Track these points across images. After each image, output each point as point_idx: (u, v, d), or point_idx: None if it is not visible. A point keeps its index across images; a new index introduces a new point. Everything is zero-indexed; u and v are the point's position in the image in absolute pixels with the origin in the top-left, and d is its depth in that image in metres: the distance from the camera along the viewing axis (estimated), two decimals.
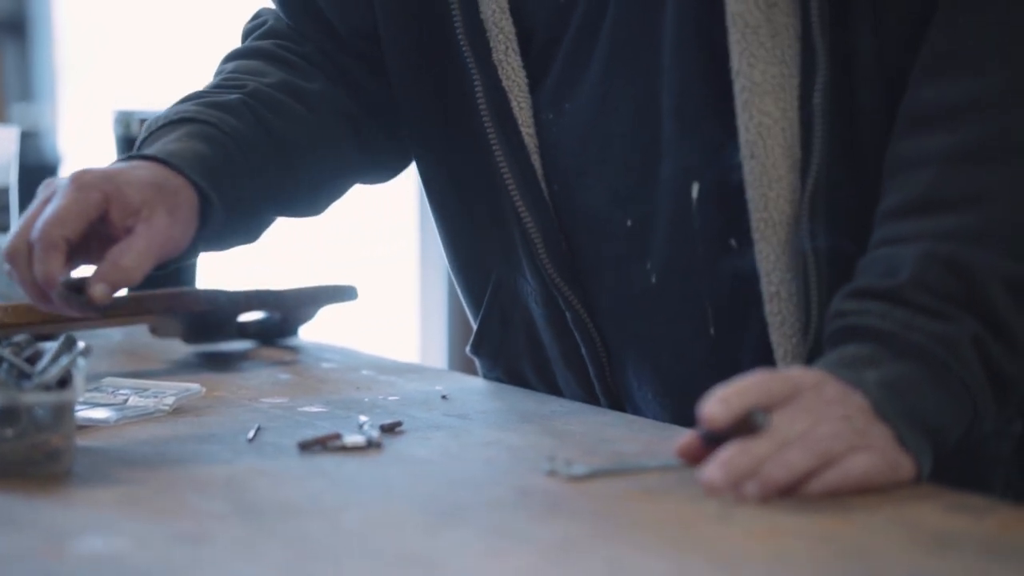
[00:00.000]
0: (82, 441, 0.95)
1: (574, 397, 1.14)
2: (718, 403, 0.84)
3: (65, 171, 3.55)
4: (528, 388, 1.18)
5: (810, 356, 0.98)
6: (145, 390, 1.10)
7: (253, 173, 1.11)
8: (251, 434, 0.98)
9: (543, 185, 1.10)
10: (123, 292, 1.08)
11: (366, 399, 1.10)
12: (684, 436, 0.86)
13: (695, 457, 0.86)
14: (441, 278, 3.07)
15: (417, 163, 1.20)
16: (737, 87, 0.99)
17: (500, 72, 1.09)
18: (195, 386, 1.10)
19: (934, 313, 0.89)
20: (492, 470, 0.92)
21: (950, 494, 0.84)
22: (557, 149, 1.09)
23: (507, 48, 1.09)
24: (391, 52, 1.15)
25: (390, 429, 1.00)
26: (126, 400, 1.07)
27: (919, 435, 0.86)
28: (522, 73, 1.09)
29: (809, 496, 0.83)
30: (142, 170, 1.04)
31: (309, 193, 1.17)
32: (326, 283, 1.33)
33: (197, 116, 1.10)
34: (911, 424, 0.86)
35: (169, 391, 1.09)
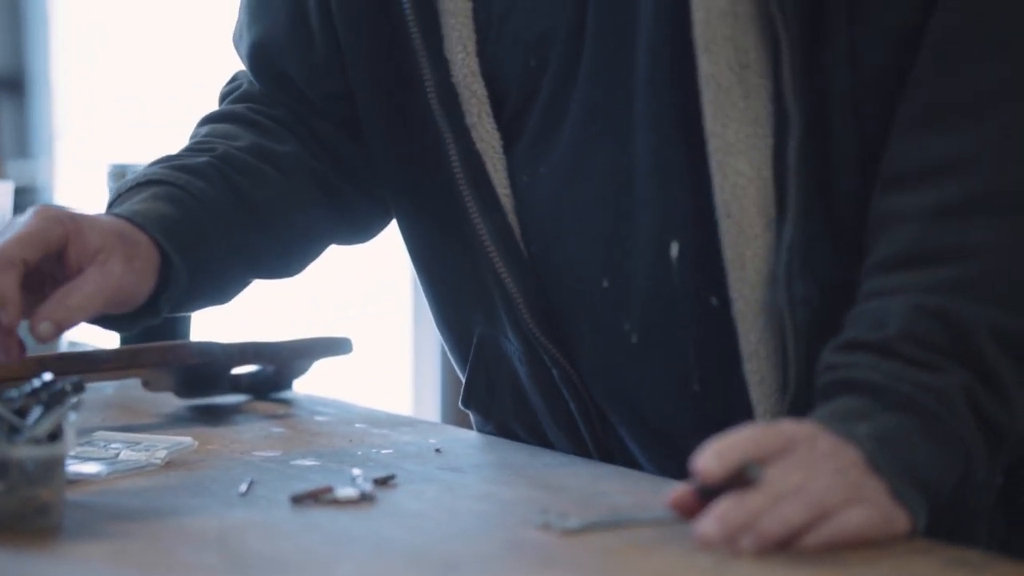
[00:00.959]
0: (72, 495, 0.94)
1: (566, 452, 1.13)
2: (712, 456, 0.84)
3: None
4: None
5: (789, 414, 0.98)
6: (137, 443, 1.09)
7: (220, 235, 1.11)
8: (243, 487, 0.98)
9: (522, 246, 1.09)
10: (115, 345, 1.08)
11: (359, 452, 1.09)
12: (677, 489, 0.86)
13: (689, 510, 0.85)
14: (434, 331, 3.06)
15: (398, 223, 1.20)
16: (711, 147, 0.99)
17: (474, 134, 1.09)
18: (187, 439, 1.09)
19: (924, 364, 0.89)
20: (486, 523, 0.92)
21: (947, 549, 0.84)
22: (534, 210, 1.09)
23: (480, 111, 1.09)
24: (365, 116, 1.16)
25: (383, 482, 0.99)
26: (117, 454, 1.07)
27: (913, 488, 0.86)
28: (496, 135, 1.09)
29: (804, 550, 0.82)
30: (106, 220, 1.05)
31: (281, 255, 1.18)
32: (321, 336, 1.33)
33: (164, 178, 1.11)
34: (904, 477, 0.86)
35: (161, 444, 1.08)
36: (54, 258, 1.03)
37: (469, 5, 1.09)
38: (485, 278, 1.11)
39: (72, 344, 1.44)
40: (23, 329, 1.02)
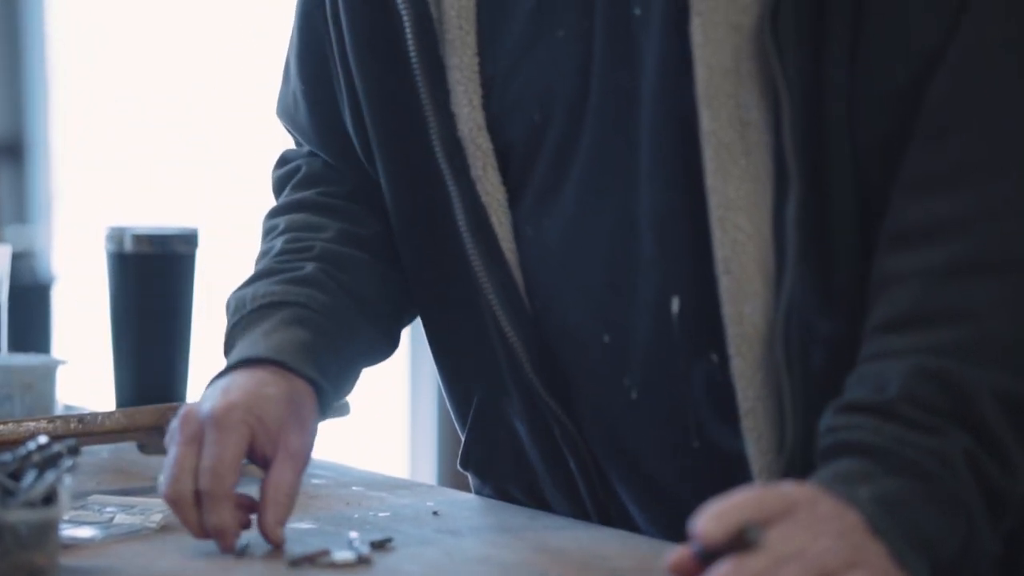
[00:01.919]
0: (66, 560, 0.93)
1: (564, 515, 1.12)
2: (712, 519, 0.83)
3: (58, 292, 3.57)
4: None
5: (786, 472, 0.97)
6: (132, 507, 1.08)
7: (348, 343, 1.12)
8: (240, 550, 0.97)
9: (525, 300, 1.09)
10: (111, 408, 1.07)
11: (356, 515, 1.09)
12: (677, 552, 0.85)
13: (689, 573, 0.84)
14: (431, 393, 3.06)
15: (411, 285, 1.20)
16: (711, 203, 0.99)
17: (479, 187, 1.09)
18: None
19: (925, 428, 0.89)
20: None
21: None
22: (538, 264, 1.09)
23: (485, 164, 1.09)
24: (382, 173, 1.16)
25: (380, 545, 0.98)
26: (112, 518, 1.06)
27: (915, 551, 0.85)
28: (501, 189, 1.10)
29: None
30: (271, 388, 1.04)
31: (389, 337, 1.19)
32: None
33: (287, 299, 1.11)
34: (906, 540, 0.85)
35: (156, 508, 1.07)
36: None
37: (476, 60, 1.09)
38: (488, 333, 1.11)
39: (67, 407, 1.43)
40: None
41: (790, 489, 0.86)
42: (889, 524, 0.85)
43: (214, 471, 0.99)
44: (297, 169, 1.24)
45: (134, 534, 1.03)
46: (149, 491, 1.19)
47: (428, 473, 3.08)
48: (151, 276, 1.38)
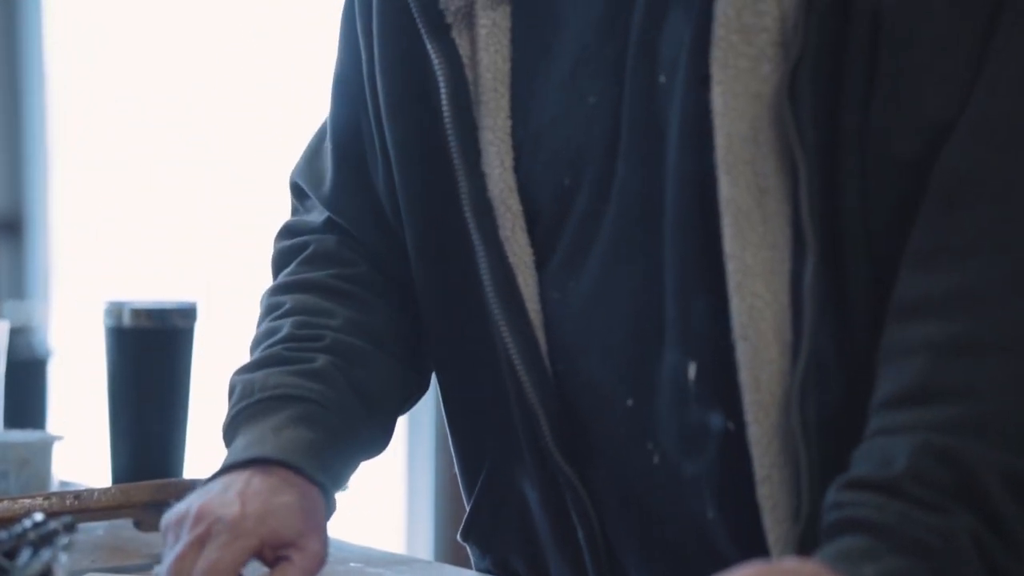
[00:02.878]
0: None
1: None
2: None
3: (54, 367, 3.55)
4: None
5: (801, 541, 0.97)
6: None
7: (351, 442, 1.13)
8: None
9: (547, 363, 1.09)
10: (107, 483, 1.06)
11: None
12: None
13: None
14: (428, 467, 3.05)
15: (429, 344, 1.20)
16: (730, 269, 0.99)
17: (507, 248, 1.10)
18: None
19: (931, 506, 0.88)
20: None
21: None
22: (562, 327, 1.09)
23: (514, 226, 1.10)
24: (407, 228, 1.17)
25: None
26: None
27: None
28: (529, 251, 1.10)
29: None
30: (286, 496, 1.05)
31: (386, 432, 1.19)
32: None
33: (296, 393, 1.11)
34: None
35: None
36: None
37: (509, 123, 1.10)
38: (506, 396, 1.11)
39: (63, 483, 1.42)
40: None
41: (794, 566, 0.85)
42: None
43: (209, 571, 0.99)
44: (306, 245, 1.23)
45: None
46: (145, 569, 1.17)
47: (424, 549, 3.06)
48: (149, 350, 1.37)
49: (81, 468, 1.61)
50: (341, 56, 1.23)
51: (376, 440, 1.18)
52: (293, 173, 1.27)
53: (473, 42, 1.11)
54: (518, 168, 1.10)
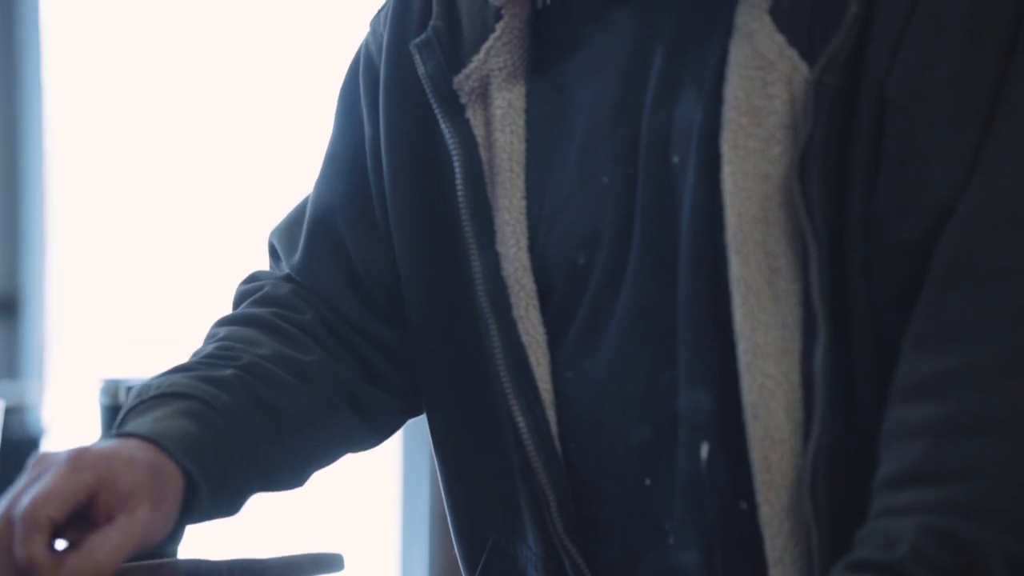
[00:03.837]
0: None
1: None
2: None
3: (47, 445, 3.54)
4: None
5: None
6: None
7: (244, 453, 1.10)
8: None
9: (557, 443, 1.08)
10: None
11: None
12: None
13: None
14: (421, 547, 3.02)
15: (428, 415, 1.20)
16: (740, 349, 0.99)
17: (520, 327, 1.09)
18: None
19: None
20: None
21: None
22: (574, 406, 1.09)
23: (527, 304, 1.10)
24: (410, 303, 1.16)
25: None
26: None
27: None
28: (541, 329, 1.10)
29: None
30: (137, 452, 1.02)
31: (298, 468, 1.17)
32: (311, 551, 1.30)
33: (189, 391, 1.09)
34: None
35: None
36: (85, 505, 0.99)
37: (524, 203, 1.10)
38: (511, 475, 1.10)
39: None
40: None
41: None
42: None
43: (34, 498, 0.95)
44: (260, 288, 1.23)
45: None
46: None
47: None
48: None
49: None
50: (336, 132, 1.23)
51: (285, 471, 1.14)
52: (272, 232, 1.27)
53: (488, 122, 1.11)
54: (532, 247, 1.10)
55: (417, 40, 1.14)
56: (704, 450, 1.03)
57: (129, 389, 1.36)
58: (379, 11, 1.24)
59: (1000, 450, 0.92)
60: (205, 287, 3.68)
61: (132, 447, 1.03)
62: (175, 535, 1.04)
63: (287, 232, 1.25)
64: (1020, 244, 0.96)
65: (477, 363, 1.11)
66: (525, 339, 1.10)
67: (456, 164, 1.10)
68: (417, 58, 1.13)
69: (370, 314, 1.20)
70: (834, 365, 0.98)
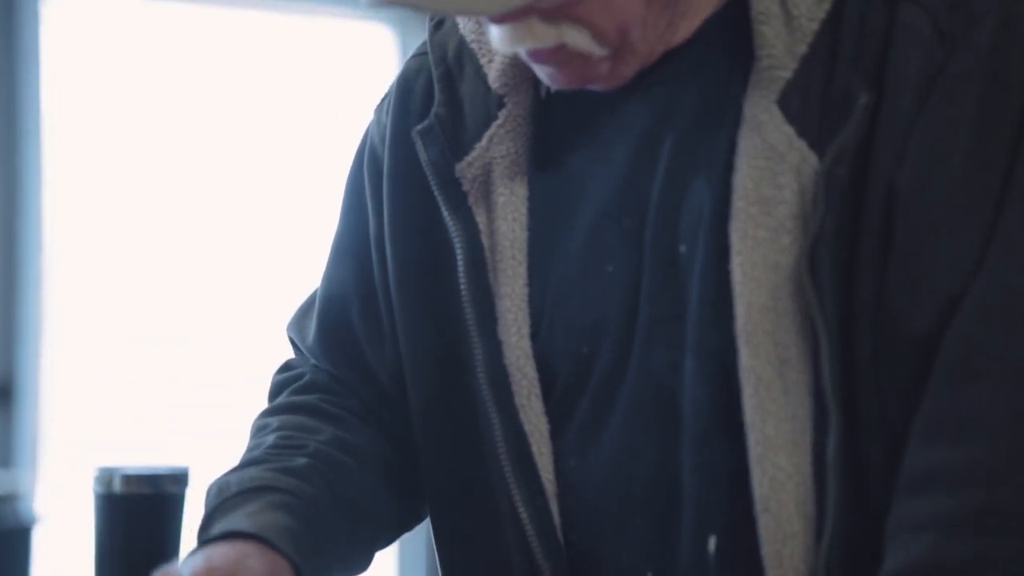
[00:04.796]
0: None
1: None
2: None
3: (40, 534, 3.51)
4: None
5: None
6: None
7: (329, 539, 1.10)
8: None
9: (559, 533, 1.07)
10: None
11: None
12: None
13: None
14: None
15: (429, 501, 1.18)
16: (751, 441, 0.98)
17: (522, 416, 1.08)
18: None
19: None
20: None
21: None
22: (577, 496, 1.07)
23: (530, 393, 1.08)
24: (413, 389, 1.15)
25: None
26: None
27: None
28: (544, 419, 1.09)
29: None
30: (254, 560, 1.02)
31: (365, 550, 1.17)
32: None
33: (273, 484, 1.09)
34: None
35: None
36: None
37: (526, 290, 1.09)
38: (509, 560, 1.08)
39: None
40: None
41: None
42: None
43: None
44: (301, 376, 1.23)
45: None
46: None
47: None
48: (140, 517, 1.35)
49: None
50: (343, 223, 1.23)
51: (353, 554, 1.14)
52: (288, 325, 1.27)
53: (490, 209, 1.10)
54: (535, 335, 1.09)
55: (420, 127, 1.14)
56: (712, 544, 1.01)
57: (124, 477, 1.34)
58: (383, 98, 1.24)
59: (1005, 546, 0.91)
60: (202, 371, 3.66)
61: (246, 551, 1.03)
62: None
63: (299, 323, 1.26)
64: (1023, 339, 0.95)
65: (479, 452, 1.10)
66: (527, 428, 1.08)
67: (458, 251, 1.10)
68: (419, 145, 1.13)
69: (381, 400, 1.19)
70: (846, 456, 0.96)
